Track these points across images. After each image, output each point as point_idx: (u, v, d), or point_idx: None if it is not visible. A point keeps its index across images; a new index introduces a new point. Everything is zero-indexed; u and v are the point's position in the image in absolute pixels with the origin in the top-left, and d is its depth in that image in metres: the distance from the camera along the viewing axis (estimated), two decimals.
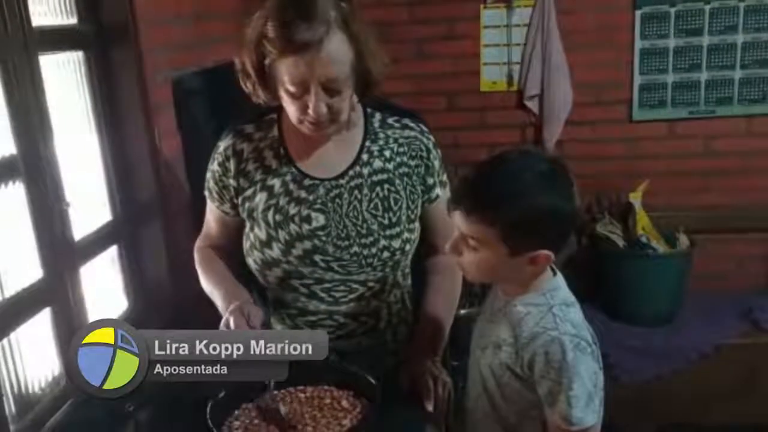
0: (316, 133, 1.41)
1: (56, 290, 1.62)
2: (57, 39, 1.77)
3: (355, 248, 1.48)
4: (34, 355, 1.59)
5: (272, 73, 1.36)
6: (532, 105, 3.21)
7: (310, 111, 1.35)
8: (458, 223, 1.30)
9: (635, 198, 3.07)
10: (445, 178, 1.59)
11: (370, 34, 1.39)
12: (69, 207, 1.64)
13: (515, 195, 1.25)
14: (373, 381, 1.38)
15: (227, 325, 1.36)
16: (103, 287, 1.92)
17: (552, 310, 1.30)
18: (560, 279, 1.38)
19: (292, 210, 1.48)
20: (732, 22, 3.09)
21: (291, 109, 1.38)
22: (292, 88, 1.34)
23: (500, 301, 1.39)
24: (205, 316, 1.54)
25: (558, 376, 1.25)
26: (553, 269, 1.39)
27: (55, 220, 1.60)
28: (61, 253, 1.63)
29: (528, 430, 1.36)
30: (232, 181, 1.51)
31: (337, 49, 1.33)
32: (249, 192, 1.50)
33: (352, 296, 1.52)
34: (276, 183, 1.49)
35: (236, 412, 1.38)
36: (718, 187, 3.24)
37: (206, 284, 1.56)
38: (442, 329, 1.61)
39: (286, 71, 1.33)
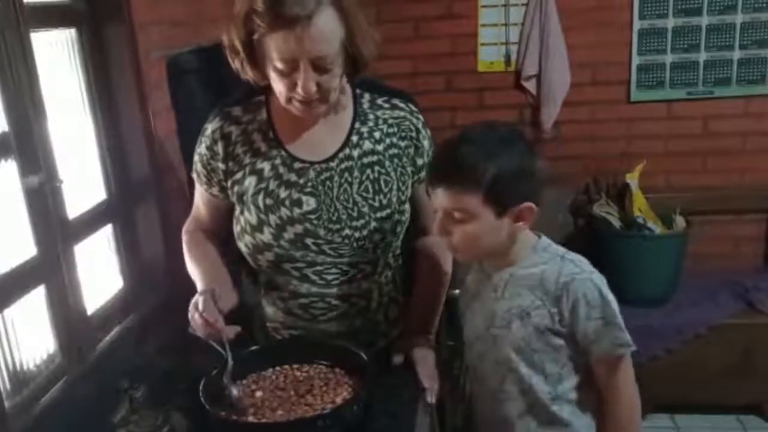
0: (305, 112, 1.39)
1: (50, 268, 1.62)
2: (49, 16, 1.75)
3: (347, 231, 1.48)
4: (29, 333, 1.59)
5: (261, 49, 1.34)
6: (530, 85, 3.20)
7: (299, 89, 1.33)
8: (441, 201, 1.36)
9: (632, 179, 3.07)
10: None
11: (362, 13, 1.37)
12: (62, 184, 1.63)
13: (488, 158, 1.32)
14: (365, 357, 1.38)
15: (196, 306, 1.35)
16: (99, 266, 1.92)
17: (565, 257, 1.40)
18: (546, 238, 1.46)
19: (283, 194, 1.46)
20: (731, 2, 3.07)
21: (279, 87, 1.36)
22: (280, 65, 1.32)
23: (500, 277, 1.42)
24: None
25: (602, 312, 1.34)
26: (537, 234, 1.46)
27: (48, 197, 1.59)
28: (55, 231, 1.62)
29: (566, 383, 1.42)
30: (221, 165, 1.49)
31: (328, 25, 1.31)
32: (238, 175, 1.49)
33: (343, 278, 1.51)
34: (265, 166, 1.47)
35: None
36: (715, 168, 3.24)
37: (190, 266, 1.55)
38: (434, 308, 1.63)
39: (274, 47, 1.31)
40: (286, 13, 1.26)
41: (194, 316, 1.35)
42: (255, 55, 1.36)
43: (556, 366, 1.40)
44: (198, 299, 1.36)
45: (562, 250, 1.43)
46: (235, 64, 1.41)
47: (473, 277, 1.52)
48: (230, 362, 1.35)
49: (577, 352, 1.39)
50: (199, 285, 1.47)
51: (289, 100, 1.37)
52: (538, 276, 1.38)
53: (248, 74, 1.41)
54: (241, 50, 1.37)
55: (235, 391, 1.34)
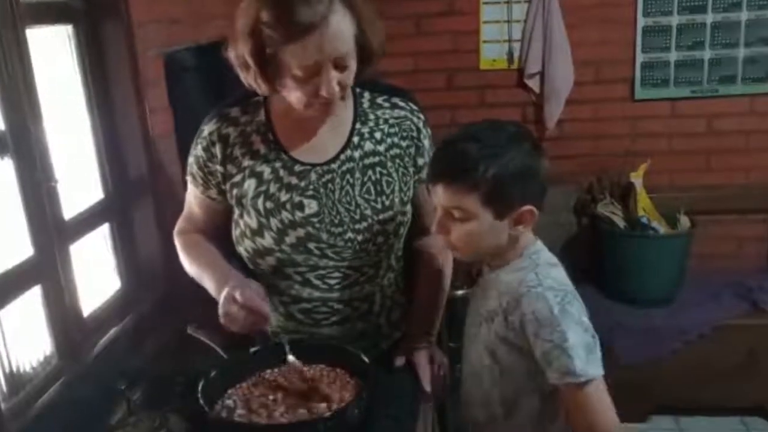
0: (325, 113, 1.38)
1: (47, 268, 1.61)
2: (45, 13, 1.73)
3: (349, 234, 1.45)
4: (26, 334, 1.58)
5: (275, 61, 1.30)
6: (533, 83, 3.18)
7: (323, 92, 1.31)
8: (440, 198, 1.33)
9: (636, 178, 3.04)
10: None
11: (367, 4, 1.35)
12: (58, 184, 1.62)
13: (489, 157, 1.27)
14: (366, 360, 1.37)
15: (232, 299, 1.31)
16: (95, 265, 1.91)
17: (536, 269, 1.32)
18: (540, 243, 1.40)
19: (284, 197, 1.44)
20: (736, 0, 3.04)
21: (297, 94, 1.33)
22: (301, 73, 1.29)
23: (490, 277, 1.40)
24: (197, 295, 1.53)
25: (550, 333, 1.24)
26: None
27: (44, 197, 1.58)
28: (51, 231, 1.61)
29: (525, 405, 1.35)
30: (218, 167, 1.46)
31: (341, 24, 1.28)
32: (237, 178, 1.46)
33: (346, 282, 1.49)
34: (265, 169, 1.44)
35: (228, 391, 1.38)
36: (719, 167, 3.22)
37: (192, 267, 1.52)
38: (436, 309, 1.61)
39: (294, 57, 1.27)
40: (301, 20, 1.23)
41: (231, 310, 1.31)
42: (268, 68, 1.32)
43: (515, 382, 1.34)
44: (234, 292, 1.31)
45: (544, 259, 1.35)
46: (248, 80, 1.37)
47: (481, 278, 1.48)
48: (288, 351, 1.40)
49: (539, 373, 1.29)
50: (213, 283, 1.43)
51: (309, 104, 1.34)
52: (510, 283, 1.33)
53: (262, 88, 1.36)
54: (253, 65, 1.32)
55: (298, 362, 1.39)
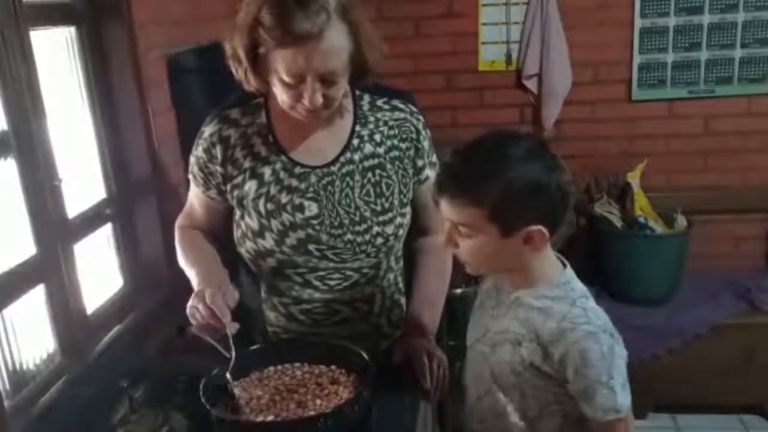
0: (309, 120, 1.38)
1: (50, 267, 1.62)
2: (48, 14, 1.75)
3: (349, 236, 1.47)
4: (29, 332, 1.59)
5: (266, 61, 1.32)
6: (531, 84, 3.19)
7: (305, 101, 1.32)
8: (446, 212, 1.27)
9: (633, 178, 3.06)
10: (434, 158, 1.57)
11: (369, 21, 1.35)
12: (61, 183, 1.63)
13: (497, 171, 1.20)
14: (366, 357, 1.38)
15: (201, 298, 1.32)
16: (98, 265, 1.92)
17: (576, 303, 1.27)
18: (570, 271, 1.34)
19: (284, 199, 1.45)
20: (733, 1, 3.06)
21: (283, 96, 1.34)
22: (287, 79, 1.30)
23: (508, 295, 1.35)
24: None
25: (598, 373, 1.22)
26: (563, 262, 1.35)
27: (48, 196, 1.59)
28: (55, 230, 1.62)
29: (547, 423, 1.34)
30: (219, 168, 1.47)
31: (336, 41, 1.29)
32: (238, 180, 1.47)
33: (346, 283, 1.50)
34: (266, 171, 1.45)
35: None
36: (717, 168, 3.23)
37: (183, 262, 1.53)
38: (435, 308, 1.61)
39: (282, 62, 1.28)
40: (296, 30, 1.24)
41: (198, 307, 1.32)
42: (259, 66, 1.34)
43: (539, 403, 1.32)
44: (205, 292, 1.33)
45: (579, 291, 1.30)
46: (238, 74, 1.38)
47: (485, 286, 1.45)
48: (233, 358, 1.34)
49: (566, 396, 1.28)
50: (197, 281, 1.44)
51: (292, 107, 1.36)
52: (543, 311, 1.27)
53: (251, 84, 1.38)
54: (244, 60, 1.34)
55: (236, 390, 1.33)
